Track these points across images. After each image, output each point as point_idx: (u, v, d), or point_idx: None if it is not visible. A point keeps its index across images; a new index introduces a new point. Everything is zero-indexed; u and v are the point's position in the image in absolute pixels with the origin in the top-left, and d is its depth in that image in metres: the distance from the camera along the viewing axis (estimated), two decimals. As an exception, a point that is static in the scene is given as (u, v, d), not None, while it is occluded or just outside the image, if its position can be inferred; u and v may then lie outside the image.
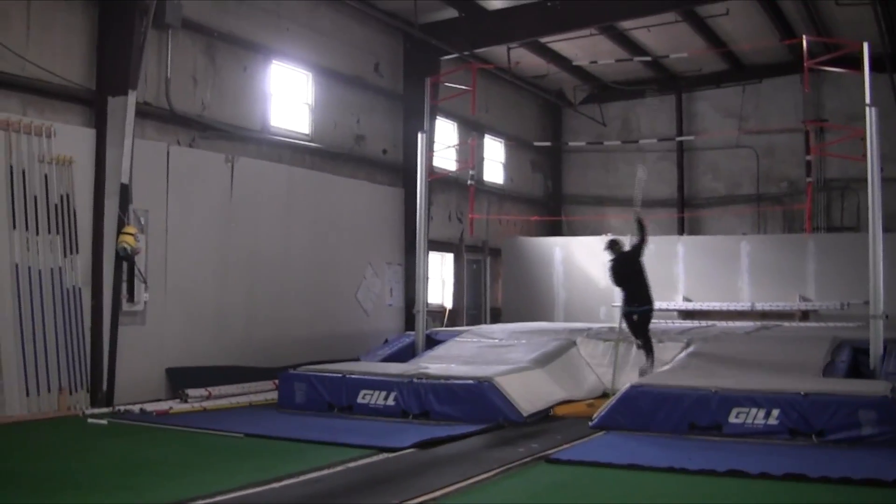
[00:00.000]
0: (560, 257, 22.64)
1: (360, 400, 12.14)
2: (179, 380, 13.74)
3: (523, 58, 22.09)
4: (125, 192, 13.01)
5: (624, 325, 13.79)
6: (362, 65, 19.16)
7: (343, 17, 18.47)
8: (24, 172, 11.99)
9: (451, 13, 19.32)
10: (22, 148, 12.00)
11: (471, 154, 21.56)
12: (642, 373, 12.96)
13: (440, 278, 22.44)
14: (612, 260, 13.89)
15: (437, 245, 21.60)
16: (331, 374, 12.59)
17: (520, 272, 22.99)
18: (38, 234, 12.08)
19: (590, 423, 11.07)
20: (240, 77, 16.02)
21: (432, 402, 11.70)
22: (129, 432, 10.79)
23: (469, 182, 20.61)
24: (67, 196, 12.50)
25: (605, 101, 26.60)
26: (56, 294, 12.21)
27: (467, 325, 20.84)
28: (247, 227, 15.65)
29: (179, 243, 14.27)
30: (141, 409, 12.22)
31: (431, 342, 15.88)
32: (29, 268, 11.93)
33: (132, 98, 13.05)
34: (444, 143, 21.76)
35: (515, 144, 25.30)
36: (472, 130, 23.12)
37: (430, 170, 17.51)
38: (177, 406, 12.57)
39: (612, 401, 11.26)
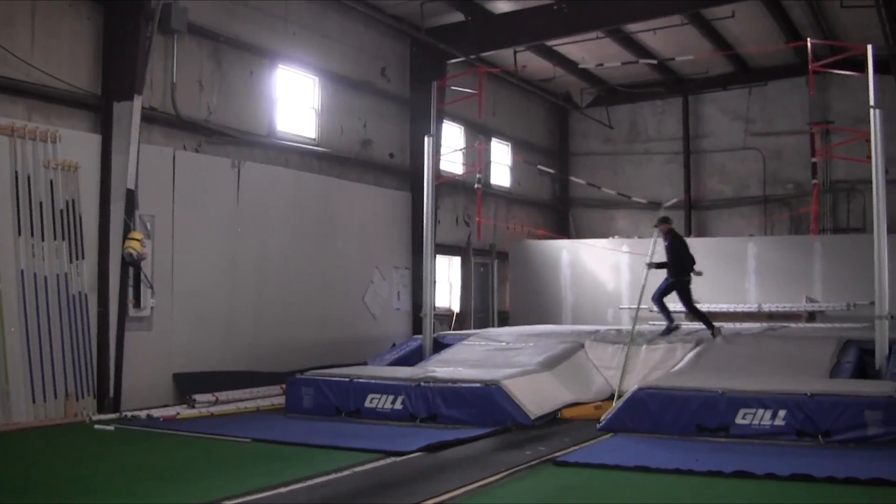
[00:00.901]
0: (567, 260, 22.61)
1: (367, 404, 12.11)
2: (186, 385, 13.72)
3: (530, 61, 22.07)
4: (131, 198, 13.01)
5: (630, 328, 14.07)
6: (369, 69, 19.16)
7: (349, 21, 18.47)
8: (29, 178, 11.99)
9: (457, 17, 19.30)
10: (27, 153, 12.01)
11: (478, 157, 21.55)
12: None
13: (448, 282, 22.41)
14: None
15: (445, 248, 21.58)
16: (338, 379, 12.56)
17: (527, 275, 22.97)
18: (43, 240, 12.07)
19: (597, 426, 11.08)
20: (246, 81, 16.02)
21: (440, 405, 11.67)
22: (136, 438, 10.77)
23: (476, 185, 20.63)
24: (73, 202, 12.49)
25: (612, 103, 26.57)
26: (62, 300, 12.21)
27: (475, 328, 20.77)
28: (254, 232, 15.64)
29: (186, 248, 14.26)
30: (148, 415, 12.19)
31: (439, 346, 15.82)
32: (35, 274, 11.92)
33: (138, 103, 13.07)
34: (451, 147, 21.72)
35: (523, 147, 25.27)
36: (478, 134, 23.10)
37: (438, 173, 17.49)
38: (184, 411, 12.56)
39: (619, 403, 11.25)
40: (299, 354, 16.12)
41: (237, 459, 9.33)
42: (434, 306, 16.41)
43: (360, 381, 12.40)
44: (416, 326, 18.63)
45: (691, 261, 15.02)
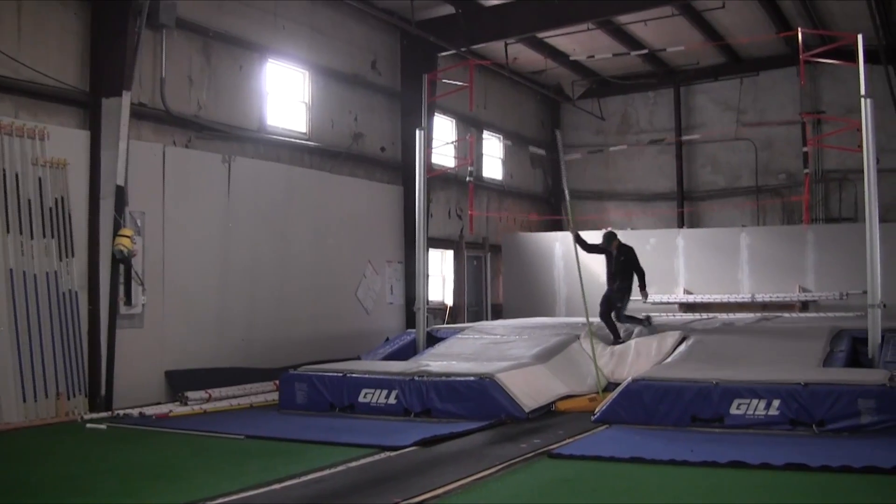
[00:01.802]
0: (561, 252, 22.61)
1: (361, 399, 12.09)
2: (179, 382, 13.68)
3: (521, 53, 22.04)
4: (121, 194, 12.94)
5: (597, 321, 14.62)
6: (360, 62, 19.11)
7: (340, 15, 18.41)
8: (17, 176, 11.91)
9: (447, 10, 19.25)
10: (15, 151, 11.93)
11: (469, 150, 21.53)
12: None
13: (441, 275, 22.40)
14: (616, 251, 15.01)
15: (437, 242, 21.56)
16: (332, 374, 12.54)
17: (520, 268, 22.97)
18: (32, 237, 11.99)
19: (592, 418, 11.08)
20: (236, 76, 15.97)
21: (434, 399, 11.66)
22: (128, 437, 10.72)
23: (468, 179, 20.62)
24: (62, 199, 12.42)
25: (603, 95, 26.56)
26: (52, 298, 12.14)
27: (468, 321, 20.77)
28: (245, 228, 15.60)
29: (177, 245, 14.21)
30: (140, 413, 12.14)
31: (432, 340, 15.85)
32: (24, 272, 11.85)
33: (127, 99, 12.98)
34: (442, 140, 21.70)
35: (514, 141, 25.24)
36: (470, 127, 23.08)
37: (429, 167, 17.48)
38: (177, 409, 12.50)
39: (613, 395, 11.27)
40: (292, 350, 16.09)
41: (231, 456, 9.29)
42: (427, 300, 16.42)
43: (354, 376, 12.37)
44: (410, 320, 18.62)
45: (642, 273, 14.94)
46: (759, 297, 20.26)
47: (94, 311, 12.66)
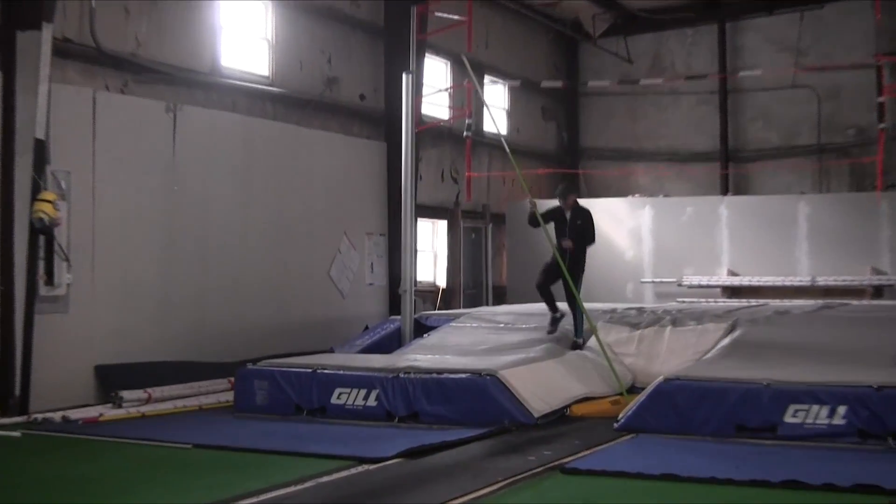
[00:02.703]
0: (578, 224, 22.57)
1: (334, 400, 12.12)
2: (112, 380, 13.64)
3: (530, -20, 21.94)
4: (41, 150, 12.83)
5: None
6: (333, -10, 19.08)
7: (308, -68, 18.36)
8: (-86, 126, 11.85)
9: (440, -74, 19.16)
10: None
11: (467, 100, 21.45)
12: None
13: (431, 251, 22.43)
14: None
15: (428, 210, 21.57)
16: (299, 370, 12.55)
17: (528, 242, 22.80)
18: (-68, 202, 11.94)
19: (615, 425, 11.08)
20: (183, 7, 15.87)
21: (423, 401, 11.68)
22: (48, 446, 10.68)
23: (465, 134, 20.53)
24: (-32, 155, 12.37)
25: (630, 33, 26.51)
26: (-44, 276, 12.11)
27: (465, 307, 20.79)
28: (195, 192, 15.55)
29: (110, 212, 14.14)
30: (64, 418, 12.10)
31: (422, 328, 15.89)
32: (-78, 244, 11.81)
33: (47, 33, 12.82)
34: (434, 87, 21.63)
35: (521, 87, 25.15)
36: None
37: (419, 119, 17.41)
38: (109, 412, 12.47)
39: (641, 397, 11.27)
40: (251, 340, 16.10)
41: (175, 469, 9.30)
42: (415, 281, 16.41)
43: (326, 372, 12.39)
44: (394, 305, 18.56)
45: (592, 242, 14.77)
46: (821, 281, 20.28)
47: (6, 292, 12.56)
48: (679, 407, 10.79)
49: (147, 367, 14.21)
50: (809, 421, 10.18)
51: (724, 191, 24.24)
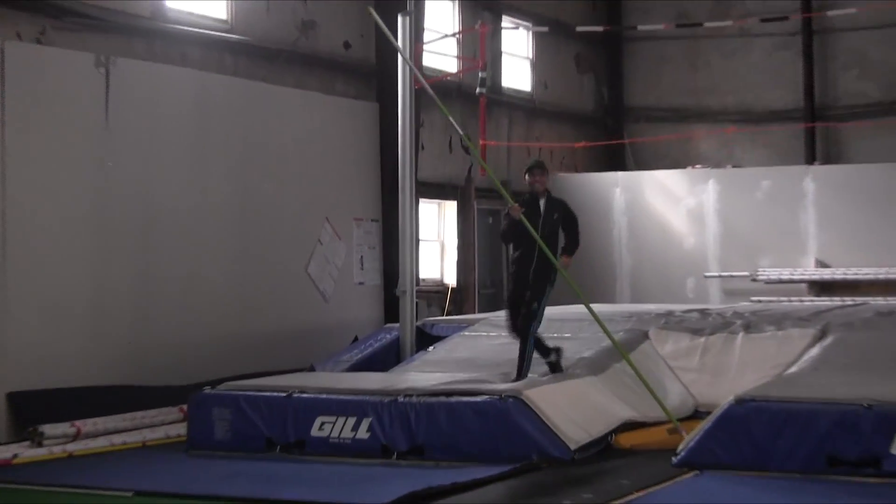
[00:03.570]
0: (623, 203, 22.60)
1: (316, 432, 12.11)
2: (29, 411, 13.63)
3: None
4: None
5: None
6: None
7: None
8: None
9: None
10: None
11: (480, 48, 21.40)
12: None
13: (438, 240, 22.49)
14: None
15: (433, 189, 21.61)
16: (270, 394, 12.56)
17: (561, 228, 22.94)
18: None
19: (673, 460, 11.05)
20: (116, -68, 15.88)
21: (428, 431, 11.66)
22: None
23: (479, 91, 20.42)
24: None
25: (688, -39, 26.51)
26: None
27: (480, 311, 20.76)
28: (134, 168, 15.53)
29: (25, 195, 14.14)
30: (-34, 460, 12.12)
31: (426, 339, 15.94)
32: None
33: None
34: (438, 32, 21.58)
35: (550, 32, 25.10)
36: (481, 11, 22.99)
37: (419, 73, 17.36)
38: (26, 452, 12.40)
39: (706, 424, 11.22)
40: (209, 358, 16.10)
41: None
42: (417, 279, 16.35)
43: (305, 396, 12.40)
44: (391, 310, 18.56)
45: (577, 244, 13.89)
46: (936, 272, 20.28)
47: None
48: (755, 435, 10.73)
49: (74, 394, 14.20)
50: (923, 452, 10.19)
51: (810, 159, 24.21)
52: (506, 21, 24.21)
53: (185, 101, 16.39)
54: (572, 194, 22.85)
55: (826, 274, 20.98)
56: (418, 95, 16.37)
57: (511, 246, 13.41)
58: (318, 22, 19.12)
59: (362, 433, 11.86)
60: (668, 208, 22.18)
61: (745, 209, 21.75)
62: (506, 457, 11.14)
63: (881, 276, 20.45)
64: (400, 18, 15.79)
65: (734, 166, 23.40)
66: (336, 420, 12.03)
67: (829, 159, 24.40)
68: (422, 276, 19.63)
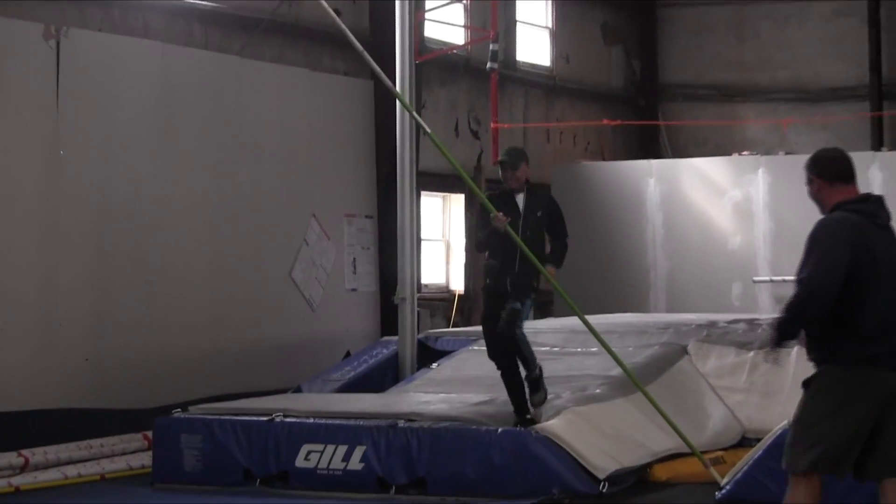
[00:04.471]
0: (658, 195, 22.58)
1: (301, 462, 12.17)
2: (-30, 438, 13.69)
3: None
4: None
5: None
6: None
7: None
8: None
9: None
10: None
11: (492, 16, 21.44)
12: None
13: (442, 240, 22.50)
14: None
15: (437, 180, 21.68)
16: (249, 418, 12.62)
17: (585, 225, 22.88)
18: None
19: (717, 495, 11.08)
20: None
21: (431, 462, 11.70)
22: None
23: (490, 66, 20.47)
24: None
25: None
26: None
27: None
28: (89, 157, 15.59)
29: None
30: None
31: (429, 354, 15.98)
32: None
33: None
34: (443, -2, 21.67)
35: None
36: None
37: (420, 46, 17.37)
38: (-34, 486, 12.51)
39: (753, 454, 11.23)
40: (177, 377, 16.17)
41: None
42: (419, 284, 16.38)
43: (290, 421, 12.45)
44: (388, 321, 18.59)
45: (564, 247, 13.63)
46: None
47: None
48: (812, 466, 10.75)
49: (21, 419, 14.24)
50: None
51: (878, 144, 24.19)
52: (520, -15, 24.30)
53: (149, 78, 16.43)
54: (599, 186, 23.04)
55: None
56: (420, 71, 16.40)
57: (486, 253, 12.98)
58: (303, -14, 19.20)
59: (355, 464, 11.91)
60: (711, 202, 22.16)
61: (800, 203, 21.29)
62: (521, 491, 11.22)
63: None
64: (399, -17, 15.87)
65: (787, 153, 23.39)
66: (325, 448, 12.08)
67: (901, 147, 24.47)
68: (424, 281, 19.64)
